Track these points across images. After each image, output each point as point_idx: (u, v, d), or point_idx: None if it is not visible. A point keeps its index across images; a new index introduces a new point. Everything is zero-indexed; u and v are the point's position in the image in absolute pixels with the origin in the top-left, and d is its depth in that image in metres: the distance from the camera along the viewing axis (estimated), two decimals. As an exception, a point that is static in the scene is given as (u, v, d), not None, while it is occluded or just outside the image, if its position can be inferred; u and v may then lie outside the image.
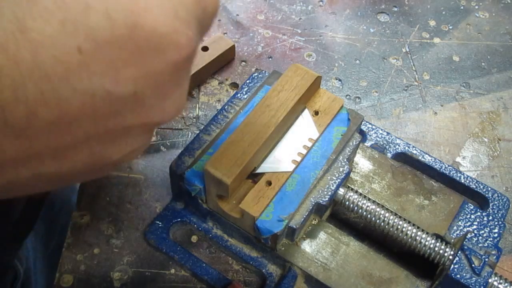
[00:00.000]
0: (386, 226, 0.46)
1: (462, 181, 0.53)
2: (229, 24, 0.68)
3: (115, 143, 0.24)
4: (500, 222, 0.46)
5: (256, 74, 0.52)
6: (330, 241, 0.48)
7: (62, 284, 0.47)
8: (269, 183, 0.43)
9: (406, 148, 0.55)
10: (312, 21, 0.70)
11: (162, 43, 0.21)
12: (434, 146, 0.59)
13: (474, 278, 0.43)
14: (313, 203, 0.44)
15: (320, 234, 0.48)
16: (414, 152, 0.55)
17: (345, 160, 0.46)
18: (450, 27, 0.70)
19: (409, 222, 0.46)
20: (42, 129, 0.20)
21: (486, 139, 0.60)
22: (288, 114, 0.44)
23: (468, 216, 0.47)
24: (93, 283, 0.48)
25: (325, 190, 0.45)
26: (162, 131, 0.58)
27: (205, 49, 0.62)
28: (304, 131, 0.46)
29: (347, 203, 0.47)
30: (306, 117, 0.47)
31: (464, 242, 0.44)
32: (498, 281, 0.43)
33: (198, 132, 0.55)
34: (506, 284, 0.43)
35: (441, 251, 0.45)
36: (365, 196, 0.47)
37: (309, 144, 0.46)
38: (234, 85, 0.62)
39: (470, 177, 0.53)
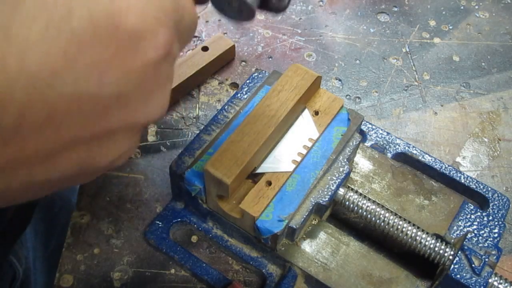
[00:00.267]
0: (386, 226, 0.46)
1: (462, 181, 0.53)
2: (229, 24, 0.68)
3: (102, 147, 0.24)
4: (500, 222, 0.46)
5: (256, 74, 0.52)
6: (330, 241, 0.48)
7: (62, 284, 0.47)
8: (269, 183, 0.43)
9: (406, 148, 0.55)
10: (312, 21, 0.70)
11: (142, 42, 0.22)
12: (434, 146, 0.59)
13: (474, 278, 0.43)
14: (313, 203, 0.44)
15: (320, 234, 0.48)
16: (414, 152, 0.55)
17: (345, 160, 0.46)
18: (450, 27, 0.70)
19: (409, 222, 0.46)
20: (30, 133, 0.20)
21: (486, 139, 0.60)
22: (288, 114, 0.44)
23: (468, 216, 0.47)
24: (93, 283, 0.48)
25: (325, 190, 0.45)
26: (162, 131, 0.58)
27: (205, 49, 0.62)
28: (304, 131, 0.46)
29: (347, 203, 0.47)
30: (306, 117, 0.47)
31: (464, 242, 0.44)
32: (498, 281, 0.43)
33: (198, 132, 0.55)
34: (506, 284, 0.43)
35: (441, 251, 0.45)
36: (365, 196, 0.47)
37: (309, 144, 0.46)
38: (234, 85, 0.62)
39: (470, 177, 0.53)
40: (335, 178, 0.45)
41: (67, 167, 0.23)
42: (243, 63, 0.64)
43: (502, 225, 0.46)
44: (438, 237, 0.46)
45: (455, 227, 0.47)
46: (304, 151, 0.45)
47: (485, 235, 0.45)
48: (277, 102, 0.44)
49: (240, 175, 0.41)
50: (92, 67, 0.21)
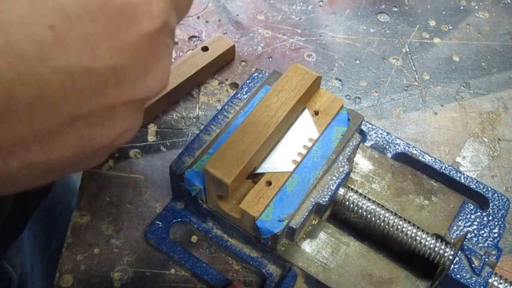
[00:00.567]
0: (386, 226, 0.46)
1: (462, 181, 0.53)
2: (229, 24, 0.68)
3: (103, 125, 0.23)
4: (500, 222, 0.46)
5: (256, 74, 0.52)
6: (330, 241, 0.48)
7: (62, 284, 0.47)
8: (269, 183, 0.43)
9: (406, 148, 0.55)
10: (312, 21, 0.70)
11: (135, 14, 0.22)
12: (434, 146, 0.59)
13: (474, 278, 0.43)
14: (313, 203, 0.44)
15: (320, 234, 0.48)
16: (414, 152, 0.55)
17: (345, 160, 0.46)
18: (450, 27, 0.70)
19: (409, 222, 0.46)
20: (23, 112, 0.20)
21: (486, 139, 0.60)
22: (288, 114, 0.44)
23: (468, 216, 0.47)
24: (93, 283, 0.48)
25: (325, 190, 0.45)
26: (162, 131, 0.58)
27: (205, 49, 0.62)
28: (304, 131, 0.46)
29: (347, 203, 0.47)
30: (306, 117, 0.47)
31: (464, 242, 0.44)
32: (498, 281, 0.43)
33: (198, 132, 0.55)
34: (506, 284, 0.43)
35: (441, 251, 0.45)
36: (365, 196, 0.47)
37: (309, 144, 0.46)
38: (234, 85, 0.62)
39: (470, 177, 0.53)
40: (335, 178, 0.45)
41: (67, 146, 0.23)
42: (243, 63, 0.64)
43: (502, 225, 0.46)
44: (438, 237, 0.46)
45: (455, 227, 0.47)
46: (304, 151, 0.45)
47: (485, 235, 0.45)
48: (277, 102, 0.44)
49: (240, 175, 0.41)
50: (83, 41, 0.20)
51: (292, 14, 0.70)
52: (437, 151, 0.59)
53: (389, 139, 0.55)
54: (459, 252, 0.44)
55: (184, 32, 0.67)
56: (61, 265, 0.49)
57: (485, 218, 0.47)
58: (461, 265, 0.43)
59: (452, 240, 0.46)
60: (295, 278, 0.47)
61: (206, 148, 0.46)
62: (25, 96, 0.19)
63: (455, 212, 0.48)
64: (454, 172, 0.53)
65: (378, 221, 0.46)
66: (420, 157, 0.54)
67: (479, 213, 0.47)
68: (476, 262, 0.43)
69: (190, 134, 0.58)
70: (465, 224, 0.47)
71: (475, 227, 0.46)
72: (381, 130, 0.56)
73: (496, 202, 0.52)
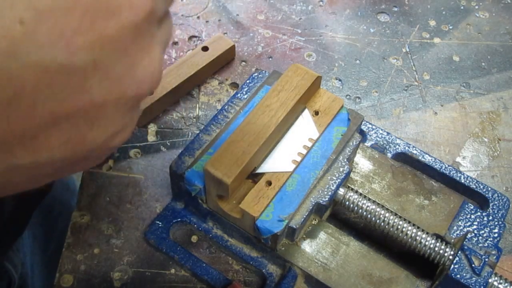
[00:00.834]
0: (386, 226, 0.46)
1: (462, 181, 0.53)
2: (229, 24, 0.68)
3: (92, 125, 0.22)
4: (500, 222, 0.46)
5: (256, 74, 0.52)
6: (330, 241, 0.48)
7: (62, 284, 0.47)
8: (269, 183, 0.43)
9: (406, 148, 0.55)
10: (312, 21, 0.70)
11: (113, 4, 0.20)
12: (434, 146, 0.59)
13: (474, 278, 0.43)
14: (313, 203, 0.44)
15: (320, 234, 0.48)
16: (414, 152, 0.55)
17: (345, 160, 0.46)
18: (450, 27, 0.70)
19: (409, 222, 0.46)
20: None
21: (486, 139, 0.60)
22: (288, 114, 0.44)
23: (468, 216, 0.47)
24: (93, 283, 0.48)
25: (325, 190, 0.45)
26: (162, 131, 0.58)
27: (205, 49, 0.62)
28: (304, 131, 0.46)
29: (347, 203, 0.47)
30: (306, 117, 0.47)
31: (464, 242, 0.44)
32: (498, 281, 0.43)
33: (198, 132, 0.55)
34: (506, 284, 0.43)
35: (441, 251, 0.45)
36: (365, 196, 0.47)
37: (309, 144, 0.46)
38: (234, 85, 0.62)
39: (470, 177, 0.53)
40: (335, 178, 0.45)
41: (54, 147, 0.21)
42: (243, 63, 0.64)
43: (502, 225, 0.46)
44: (438, 237, 0.46)
45: (455, 227, 0.47)
46: (304, 151, 0.45)
47: (485, 235, 0.45)
48: (277, 102, 0.44)
49: (240, 175, 0.41)
50: (56, 35, 0.19)
51: (292, 14, 0.70)
52: (437, 151, 0.59)
53: (389, 139, 0.55)
54: (459, 252, 0.44)
55: (184, 32, 0.67)
56: (61, 265, 0.49)
57: (485, 218, 0.47)
58: (461, 265, 0.43)
59: (452, 240, 0.46)
60: (295, 278, 0.47)
61: (206, 148, 0.46)
62: (0, 95, 0.19)
63: (455, 212, 0.48)
64: (454, 172, 0.53)
65: (378, 221, 0.46)
66: (420, 157, 0.54)
67: (479, 213, 0.47)
68: (476, 262, 0.43)
69: (190, 134, 0.58)
70: (465, 224, 0.47)
71: (475, 227, 0.46)
72: (381, 130, 0.56)
73: (496, 202, 0.52)
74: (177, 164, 0.46)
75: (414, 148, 0.55)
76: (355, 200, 0.46)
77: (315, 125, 0.47)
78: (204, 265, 0.48)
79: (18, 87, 0.19)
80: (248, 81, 0.52)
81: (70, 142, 0.22)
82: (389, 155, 0.54)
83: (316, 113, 0.47)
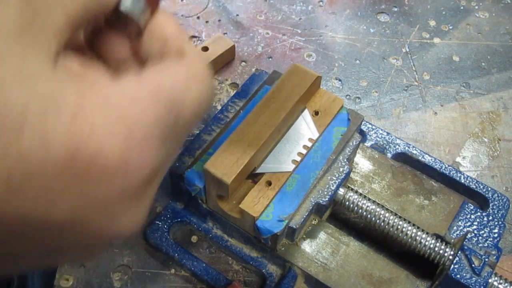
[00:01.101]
0: (386, 226, 0.46)
1: (462, 181, 0.53)
2: (229, 24, 0.68)
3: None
4: (500, 222, 0.46)
5: (256, 74, 0.52)
6: (330, 241, 0.48)
7: (62, 284, 0.47)
8: (269, 183, 0.43)
9: (406, 148, 0.55)
10: (312, 21, 0.70)
11: (107, 170, 0.19)
12: (434, 146, 0.59)
13: (474, 278, 0.43)
14: (313, 203, 0.44)
15: (320, 234, 0.48)
16: (414, 152, 0.55)
17: (345, 160, 0.46)
18: (450, 27, 0.70)
19: (409, 222, 0.46)
20: None
21: (486, 139, 0.60)
22: (288, 114, 0.44)
23: (468, 216, 0.47)
24: (93, 283, 0.48)
25: (325, 190, 0.45)
26: (162, 131, 0.58)
27: (205, 49, 0.62)
28: (304, 131, 0.46)
29: (347, 203, 0.47)
30: (306, 117, 0.47)
31: (464, 242, 0.44)
32: (498, 281, 0.43)
33: (198, 132, 0.55)
34: (506, 284, 0.43)
35: (441, 251, 0.45)
36: (365, 196, 0.47)
37: (309, 144, 0.46)
38: (234, 85, 0.62)
39: (470, 177, 0.53)
40: (335, 178, 0.45)
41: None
42: (243, 63, 0.64)
43: (502, 225, 0.46)
44: (438, 237, 0.46)
45: (455, 227, 0.47)
46: (304, 151, 0.45)
47: (485, 235, 0.45)
48: (277, 102, 0.44)
49: (240, 175, 0.41)
50: (41, 194, 0.18)
51: (292, 14, 0.70)
52: (437, 151, 0.59)
53: (389, 139, 0.55)
54: (459, 252, 0.44)
55: (184, 32, 0.67)
56: (61, 265, 0.48)
57: (485, 218, 0.47)
58: (461, 265, 0.43)
59: (452, 240, 0.46)
60: (295, 278, 0.47)
61: (206, 148, 0.46)
62: None
63: (455, 212, 0.48)
64: (454, 172, 0.53)
65: (378, 221, 0.46)
66: (420, 157, 0.54)
67: (479, 213, 0.47)
68: (476, 262, 0.43)
69: (190, 134, 0.58)
70: (465, 224, 0.47)
71: (475, 227, 0.46)
72: (381, 130, 0.56)
73: (496, 202, 0.52)
74: (177, 164, 0.46)
75: (414, 148, 0.55)
76: (355, 200, 0.46)
77: (315, 125, 0.47)
78: (204, 265, 0.48)
79: None
80: (248, 81, 0.52)
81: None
82: (389, 155, 0.54)
83: (316, 113, 0.47)
